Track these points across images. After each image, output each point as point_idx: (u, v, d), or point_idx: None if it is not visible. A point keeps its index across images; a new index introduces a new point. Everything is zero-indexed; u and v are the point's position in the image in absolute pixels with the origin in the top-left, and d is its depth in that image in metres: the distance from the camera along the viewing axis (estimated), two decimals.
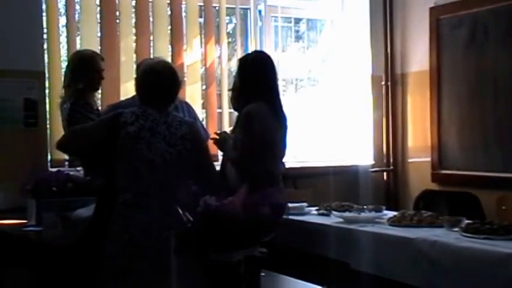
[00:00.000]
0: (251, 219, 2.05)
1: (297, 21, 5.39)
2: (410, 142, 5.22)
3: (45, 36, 4.03)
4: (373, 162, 5.23)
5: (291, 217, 3.39)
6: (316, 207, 3.65)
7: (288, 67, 5.19)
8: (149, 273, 2.45)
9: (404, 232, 2.93)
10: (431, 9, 4.94)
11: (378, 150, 5.26)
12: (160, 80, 2.68)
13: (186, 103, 3.79)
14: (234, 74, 4.38)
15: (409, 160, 5.22)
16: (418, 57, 5.11)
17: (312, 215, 3.58)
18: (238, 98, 3.37)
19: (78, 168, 3.72)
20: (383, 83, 5.27)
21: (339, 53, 5.34)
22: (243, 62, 3.39)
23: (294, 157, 4.76)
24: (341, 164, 5.09)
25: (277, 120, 3.29)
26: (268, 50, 4.78)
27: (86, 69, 3.49)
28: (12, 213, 3.46)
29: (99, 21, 4.25)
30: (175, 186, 2.50)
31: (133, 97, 3.92)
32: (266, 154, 3.22)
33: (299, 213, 3.55)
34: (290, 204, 3.44)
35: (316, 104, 5.31)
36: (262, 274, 2.09)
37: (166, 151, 2.61)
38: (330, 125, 5.28)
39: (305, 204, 3.69)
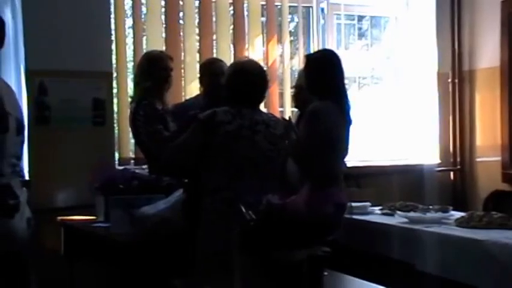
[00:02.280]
0: (314, 218, 2.04)
1: (360, 18, 5.32)
2: (479, 141, 5.06)
3: (112, 37, 4.15)
4: (439, 161, 5.11)
5: (354, 217, 3.35)
6: (380, 207, 3.59)
7: (350, 65, 5.13)
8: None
9: (472, 234, 2.84)
10: (503, 2, 4.76)
11: (445, 149, 5.12)
12: (252, 79, 2.72)
13: None
14: (296, 72, 4.38)
15: (478, 159, 5.06)
16: (487, 53, 4.94)
17: (376, 215, 3.52)
18: (302, 96, 3.36)
19: (144, 167, 3.81)
20: (450, 80, 5.14)
21: (403, 50, 5.24)
22: (310, 60, 3.37)
23: (357, 156, 4.70)
24: (405, 163, 4.99)
25: (342, 119, 3.26)
26: (331, 47, 4.73)
27: (153, 68, 3.56)
28: (82, 209, 3.58)
29: (164, 22, 4.34)
30: (274, 185, 2.52)
31: (196, 96, 4.01)
32: (330, 153, 3.19)
33: (362, 212, 3.50)
34: (353, 204, 3.40)
35: (379, 102, 5.22)
36: (325, 273, 2.08)
37: (269, 149, 2.66)
38: (394, 123, 5.18)
39: (368, 203, 3.63)
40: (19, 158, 2.30)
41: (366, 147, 4.99)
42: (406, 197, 3.81)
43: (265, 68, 2.83)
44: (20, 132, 2.29)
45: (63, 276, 3.44)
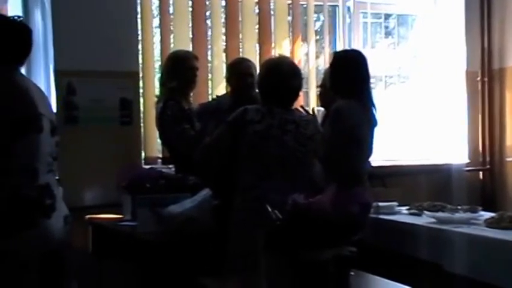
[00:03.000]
0: (340, 218, 2.03)
1: (387, 16, 5.28)
2: (509, 140, 4.98)
3: (139, 37, 4.18)
4: (468, 161, 5.04)
5: (380, 216, 3.33)
6: (407, 207, 3.56)
7: (377, 64, 5.09)
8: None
9: (503, 234, 2.80)
10: None
11: (474, 148, 5.05)
12: (286, 78, 2.70)
13: None
14: (322, 71, 4.36)
15: (508, 159, 4.98)
16: None
17: (403, 215, 3.49)
18: (328, 95, 3.35)
19: (170, 166, 3.84)
20: (479, 78, 5.06)
21: (430, 48, 5.18)
22: (336, 59, 3.36)
23: (383, 156, 4.66)
24: (433, 162, 4.94)
25: (366, 118, 3.24)
26: (357, 46, 4.71)
27: (179, 68, 3.58)
28: (109, 208, 3.62)
29: (190, 21, 4.36)
30: (304, 186, 2.53)
31: (223, 95, 4.02)
32: (355, 152, 3.17)
33: (389, 212, 3.48)
34: (380, 204, 3.38)
35: (406, 101, 5.17)
36: (352, 273, 2.06)
37: (298, 150, 2.66)
38: (421, 122, 5.13)
39: (395, 203, 3.61)
40: (55, 158, 2.35)
41: (393, 146, 4.95)
42: (433, 197, 3.77)
43: (298, 67, 2.78)
44: (54, 133, 2.34)
45: (91, 275, 3.49)
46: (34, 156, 2.24)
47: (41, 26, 3.91)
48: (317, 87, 3.94)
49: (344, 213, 2.04)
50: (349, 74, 3.21)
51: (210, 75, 4.41)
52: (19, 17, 2.50)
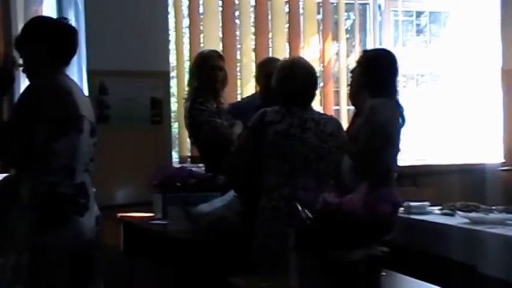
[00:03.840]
0: (371, 217, 2.01)
1: (419, 14, 5.21)
2: None
3: (170, 37, 4.21)
4: (503, 160, 4.94)
5: (412, 216, 3.28)
6: (440, 207, 3.51)
7: (408, 62, 5.03)
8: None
9: None
10: None
11: (509, 148, 4.95)
12: (302, 78, 2.72)
13: None
14: (353, 70, 4.33)
15: None
16: None
17: (435, 215, 3.44)
18: (359, 94, 3.34)
19: (200, 165, 3.85)
20: None
21: (464, 46, 5.09)
22: (367, 57, 3.34)
23: (415, 155, 4.61)
24: (466, 162, 4.85)
25: (398, 117, 3.23)
26: (388, 45, 4.67)
27: (200, 68, 3.59)
28: (140, 206, 3.65)
29: (220, 21, 4.37)
30: (328, 183, 2.55)
31: (253, 95, 4.02)
32: (388, 150, 3.17)
33: (421, 212, 3.43)
34: (411, 203, 3.34)
35: (439, 99, 5.10)
36: (383, 274, 2.04)
37: (320, 147, 2.68)
38: (454, 121, 5.05)
39: (427, 203, 3.55)
40: (92, 158, 2.39)
41: (425, 146, 4.88)
42: (467, 197, 3.70)
43: (316, 67, 2.80)
44: (93, 135, 2.38)
45: (122, 272, 3.52)
46: (73, 156, 2.28)
47: (75, 27, 3.96)
48: (348, 85, 3.92)
49: (375, 213, 2.02)
50: (381, 73, 3.21)
51: (239, 75, 4.41)
52: (65, 18, 2.55)
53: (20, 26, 3.85)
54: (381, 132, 3.11)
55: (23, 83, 2.79)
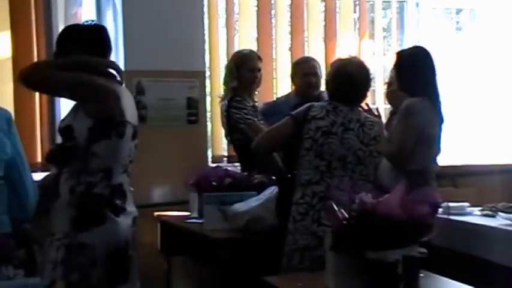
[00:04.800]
0: (408, 218, 1.98)
1: (458, 12, 5.12)
2: None
3: (206, 37, 4.23)
4: None
5: (451, 217, 3.23)
6: (480, 208, 3.44)
7: (447, 60, 4.95)
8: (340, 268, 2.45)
9: None
10: None
11: None
12: (355, 78, 2.71)
13: None
14: (389, 69, 4.28)
15: None
16: None
17: (475, 216, 3.37)
18: (395, 93, 3.31)
19: (236, 164, 3.86)
20: None
21: (504, 43, 4.98)
22: (402, 56, 3.30)
23: (454, 155, 4.53)
24: (508, 162, 4.74)
25: (436, 116, 3.18)
26: (426, 43, 4.59)
27: (240, 69, 3.61)
28: (177, 205, 3.69)
29: (256, 20, 4.38)
30: (365, 185, 2.53)
31: (287, 94, 4.01)
32: (425, 150, 3.13)
33: (460, 213, 3.37)
34: (450, 204, 3.28)
35: (479, 98, 5.00)
36: (421, 275, 2.01)
37: (360, 149, 2.66)
38: (495, 120, 4.94)
39: (466, 204, 3.49)
40: (132, 160, 2.43)
41: (464, 145, 4.80)
42: (508, 198, 3.62)
43: (368, 68, 2.81)
44: (135, 137, 2.42)
45: (159, 271, 3.56)
46: (112, 158, 2.32)
47: (113, 28, 4.03)
48: (385, 84, 3.88)
49: (413, 213, 2.00)
50: (417, 71, 3.17)
51: (274, 74, 4.41)
52: (92, 21, 2.60)
53: (60, 27, 3.94)
54: (415, 132, 3.07)
55: None
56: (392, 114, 3.54)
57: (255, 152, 2.86)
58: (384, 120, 3.57)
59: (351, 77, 2.70)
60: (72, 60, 2.35)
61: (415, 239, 2.01)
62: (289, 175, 2.73)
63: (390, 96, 3.62)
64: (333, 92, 2.75)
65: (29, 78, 2.32)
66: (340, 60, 2.97)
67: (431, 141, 3.18)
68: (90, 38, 2.42)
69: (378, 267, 1.89)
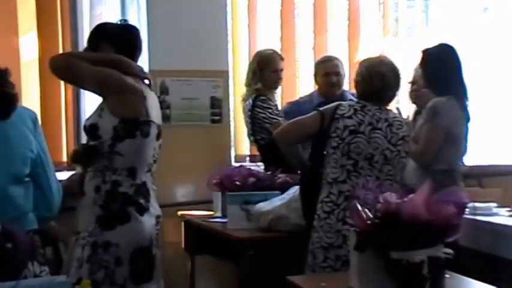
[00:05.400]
0: (434, 218, 1.96)
1: (485, 10, 5.05)
2: None
3: (229, 36, 4.23)
4: None
5: (477, 217, 3.19)
6: (508, 208, 3.39)
7: (472, 59, 4.88)
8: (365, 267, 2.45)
9: None
10: None
11: None
12: (386, 78, 2.71)
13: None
14: (414, 68, 4.24)
15: None
16: None
17: (502, 216, 3.32)
18: (419, 92, 3.28)
19: (259, 164, 3.86)
20: None
21: None
22: (428, 54, 3.26)
23: (480, 154, 4.46)
24: None
25: (463, 115, 3.14)
26: (451, 41, 4.54)
27: (263, 70, 3.62)
28: (200, 205, 3.70)
29: (279, 19, 4.38)
30: (391, 186, 2.52)
31: (310, 94, 4.00)
32: (451, 150, 3.10)
33: (487, 213, 3.32)
34: (476, 204, 3.24)
35: (506, 97, 4.92)
36: (447, 276, 1.99)
37: (388, 149, 2.65)
38: None
39: (493, 204, 3.44)
40: (155, 160, 2.44)
41: (491, 145, 4.73)
42: None
43: (398, 68, 2.80)
44: (159, 137, 2.44)
45: (183, 270, 3.57)
46: (136, 157, 2.34)
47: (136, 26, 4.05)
48: (409, 83, 3.84)
49: (438, 213, 1.97)
50: (443, 69, 3.14)
51: (297, 73, 4.40)
52: (125, 20, 2.63)
53: (85, 28, 3.98)
54: (442, 132, 3.04)
55: None
56: (416, 113, 3.51)
57: (276, 139, 2.85)
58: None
59: (382, 77, 2.70)
60: (104, 56, 2.37)
61: (440, 239, 1.99)
62: (314, 173, 2.73)
63: (414, 95, 3.59)
64: (362, 92, 2.74)
65: (58, 64, 2.34)
66: (370, 59, 2.95)
67: (458, 141, 3.15)
68: (120, 37, 2.44)
69: (402, 268, 1.87)
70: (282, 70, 3.68)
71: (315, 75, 3.87)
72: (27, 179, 1.71)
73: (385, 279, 1.91)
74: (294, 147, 2.82)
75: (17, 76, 3.76)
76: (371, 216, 1.99)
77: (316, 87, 3.94)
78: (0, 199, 1.61)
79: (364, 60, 2.87)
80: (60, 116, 3.99)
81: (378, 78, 2.69)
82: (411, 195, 2.03)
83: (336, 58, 3.84)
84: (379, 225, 1.95)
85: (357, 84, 2.78)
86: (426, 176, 2.86)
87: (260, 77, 3.61)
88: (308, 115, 2.77)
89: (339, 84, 3.73)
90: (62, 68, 2.34)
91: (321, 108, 2.74)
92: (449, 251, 1.98)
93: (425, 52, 3.33)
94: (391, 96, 2.77)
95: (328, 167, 2.66)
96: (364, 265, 1.97)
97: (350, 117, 2.64)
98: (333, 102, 2.82)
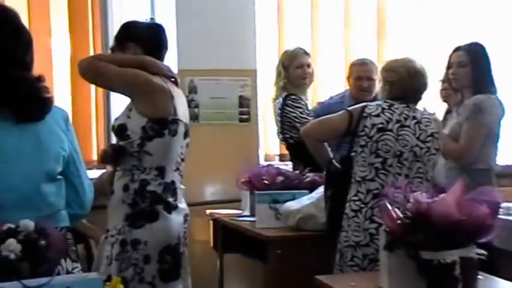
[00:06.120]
0: (466, 218, 1.93)
1: None
2: None
3: (257, 35, 4.23)
4: None
5: (511, 218, 3.13)
6: None
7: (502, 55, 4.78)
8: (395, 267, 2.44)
9: None
10: None
11: None
12: (424, 76, 2.72)
13: None
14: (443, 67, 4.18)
15: None
16: None
17: None
18: (452, 90, 3.24)
19: (288, 163, 3.86)
20: None
21: None
22: (469, 53, 3.21)
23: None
24: None
25: (503, 113, 3.12)
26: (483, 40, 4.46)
27: (288, 66, 3.61)
28: (229, 203, 3.71)
29: (309, 18, 4.36)
30: (422, 184, 2.52)
31: (342, 93, 3.97)
32: (492, 149, 3.07)
33: None
34: (510, 204, 3.18)
35: None
36: (480, 277, 1.96)
37: (417, 146, 2.64)
38: None
39: None
40: (183, 158, 2.46)
41: None
42: None
43: (424, 68, 2.79)
44: (187, 136, 2.46)
45: (212, 268, 3.59)
46: (164, 156, 2.36)
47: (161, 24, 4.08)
48: (439, 82, 3.79)
49: (470, 213, 1.94)
50: (483, 68, 3.11)
51: (327, 73, 4.38)
52: (151, 18, 2.65)
53: (115, 28, 4.02)
54: (484, 130, 3.02)
55: None
56: (447, 112, 3.47)
57: (303, 135, 2.87)
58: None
59: (422, 75, 2.71)
60: (130, 57, 2.40)
61: (472, 240, 1.96)
62: (341, 172, 2.72)
63: (445, 93, 3.55)
64: (400, 91, 2.73)
65: (86, 68, 2.37)
66: (400, 60, 2.93)
67: (496, 140, 3.13)
68: (147, 36, 2.46)
69: (433, 268, 1.85)
70: (309, 66, 3.66)
71: (348, 77, 3.84)
72: (59, 177, 1.74)
73: (415, 280, 1.88)
74: (320, 145, 2.83)
75: (49, 76, 3.83)
76: (401, 215, 1.97)
77: (348, 88, 3.91)
78: (34, 197, 1.64)
79: (393, 61, 2.85)
80: (90, 115, 4.04)
81: (419, 76, 2.70)
82: (442, 195, 2.00)
83: (371, 62, 3.77)
84: (410, 225, 1.93)
85: (391, 84, 2.75)
86: (461, 175, 2.84)
87: (286, 75, 3.60)
88: (336, 113, 2.78)
89: (370, 90, 3.67)
90: (90, 71, 2.37)
91: (349, 108, 2.75)
92: (482, 251, 1.95)
93: (464, 50, 3.25)
94: (417, 96, 2.77)
95: (356, 165, 2.66)
96: (394, 265, 1.95)
97: (378, 115, 2.65)
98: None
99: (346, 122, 2.68)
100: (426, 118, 2.71)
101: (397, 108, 2.67)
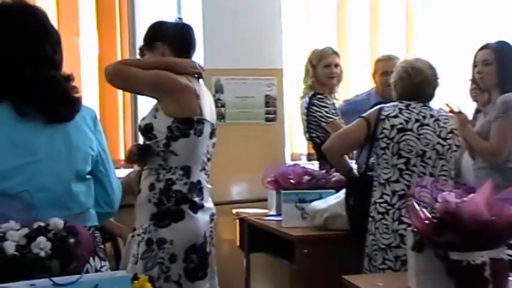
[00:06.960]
0: (496, 218, 1.90)
1: None
2: None
3: (283, 34, 4.23)
4: None
5: None
6: None
7: None
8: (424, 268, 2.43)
9: None
10: None
11: None
12: (423, 73, 2.71)
13: None
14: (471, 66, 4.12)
15: None
16: None
17: None
18: (484, 89, 3.19)
19: (314, 162, 3.84)
20: None
21: None
22: (496, 51, 3.16)
23: None
24: None
25: None
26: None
27: (316, 65, 3.60)
28: (255, 203, 3.71)
29: (336, 16, 4.34)
30: (446, 182, 2.53)
31: (368, 91, 3.94)
32: None
33: None
34: None
35: None
36: (511, 279, 1.92)
37: (439, 143, 2.64)
38: None
39: None
40: (209, 158, 2.47)
41: None
42: None
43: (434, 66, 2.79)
44: (213, 136, 2.47)
45: (238, 267, 3.59)
46: (190, 156, 2.37)
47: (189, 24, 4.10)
48: (468, 81, 3.75)
49: (501, 214, 1.91)
50: (508, 65, 3.05)
51: (353, 71, 4.35)
52: (179, 18, 2.67)
53: (143, 28, 4.05)
54: None
55: None
56: (476, 112, 3.42)
57: (325, 153, 2.89)
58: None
59: (420, 72, 2.69)
60: (154, 59, 2.42)
61: (503, 240, 1.92)
62: (364, 176, 2.72)
63: (474, 93, 3.50)
64: (402, 91, 2.74)
65: (112, 73, 2.40)
66: (405, 60, 2.93)
67: None
68: (175, 36, 2.48)
69: (463, 269, 1.82)
70: (336, 66, 3.65)
71: (373, 73, 3.82)
72: (88, 176, 1.76)
73: (444, 281, 1.86)
74: (341, 158, 2.86)
75: (77, 75, 3.85)
76: (429, 215, 1.94)
77: (374, 85, 3.88)
78: (64, 196, 1.66)
79: (400, 62, 2.87)
80: (117, 114, 4.08)
81: (417, 73, 2.69)
82: (472, 195, 1.97)
83: (396, 58, 3.75)
84: (438, 225, 1.91)
85: (395, 85, 2.77)
86: (492, 174, 2.79)
87: (313, 74, 3.60)
88: (352, 124, 2.80)
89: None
90: (117, 76, 2.40)
91: (364, 115, 2.74)
92: None
93: (489, 48, 3.20)
94: (431, 94, 2.75)
95: (378, 168, 2.65)
96: (422, 265, 1.93)
97: (396, 116, 2.64)
98: (392, 101, 2.80)
99: (365, 129, 2.68)
100: (443, 115, 2.72)
101: (414, 108, 2.67)
